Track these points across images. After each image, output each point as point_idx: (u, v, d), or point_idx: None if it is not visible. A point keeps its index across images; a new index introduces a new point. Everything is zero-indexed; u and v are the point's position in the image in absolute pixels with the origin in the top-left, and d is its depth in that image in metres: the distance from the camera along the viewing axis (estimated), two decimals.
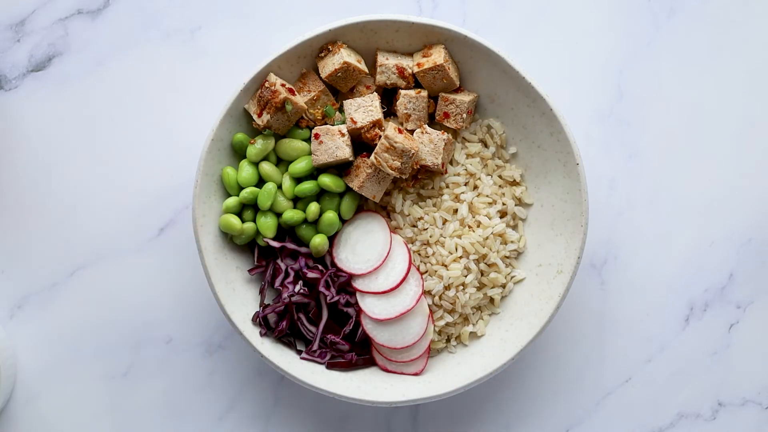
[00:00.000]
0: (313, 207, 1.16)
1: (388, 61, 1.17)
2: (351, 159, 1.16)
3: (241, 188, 1.17)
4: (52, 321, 1.26)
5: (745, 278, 1.29)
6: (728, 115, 1.30)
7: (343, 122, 1.17)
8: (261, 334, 1.17)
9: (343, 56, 1.15)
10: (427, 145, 1.16)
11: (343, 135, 1.15)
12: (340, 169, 1.18)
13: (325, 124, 1.18)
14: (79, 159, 1.26)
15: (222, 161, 1.16)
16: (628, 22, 1.30)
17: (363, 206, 1.20)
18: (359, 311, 1.18)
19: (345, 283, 1.18)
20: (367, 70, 1.18)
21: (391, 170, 1.13)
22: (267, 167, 1.16)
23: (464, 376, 1.17)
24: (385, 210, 1.20)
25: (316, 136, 1.15)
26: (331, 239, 1.18)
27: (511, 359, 1.16)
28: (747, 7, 1.30)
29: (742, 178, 1.29)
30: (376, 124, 1.15)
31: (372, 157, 1.14)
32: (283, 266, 1.17)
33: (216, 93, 1.22)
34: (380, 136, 1.15)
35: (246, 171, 1.16)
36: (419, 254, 1.19)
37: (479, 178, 1.20)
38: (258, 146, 1.16)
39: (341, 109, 1.19)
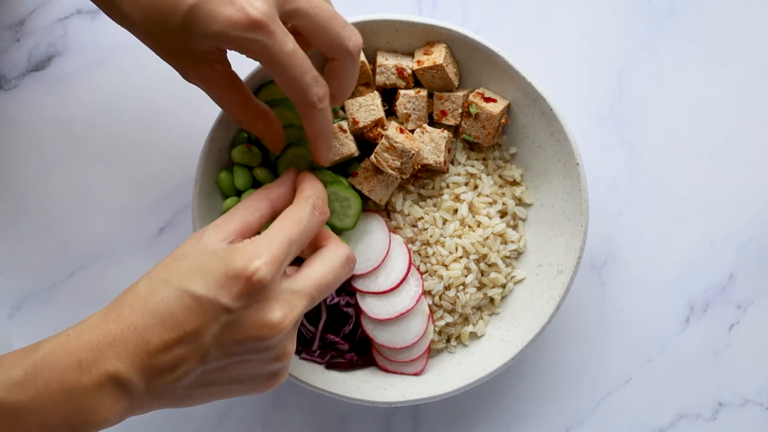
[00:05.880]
0: None
1: (387, 62, 1.17)
2: (357, 154, 1.15)
3: (237, 191, 1.16)
4: (51, 321, 1.26)
5: (745, 278, 1.29)
6: (728, 115, 1.30)
7: (345, 119, 1.17)
8: None
9: None
10: (428, 143, 1.16)
11: (344, 131, 1.14)
12: (343, 167, 1.18)
13: None
14: (79, 159, 1.26)
15: (222, 161, 1.16)
16: (628, 22, 1.30)
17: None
18: (359, 311, 1.18)
19: (345, 284, 1.18)
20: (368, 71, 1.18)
21: (391, 170, 1.13)
22: (260, 172, 1.15)
23: (464, 376, 1.17)
24: (385, 210, 1.20)
25: None
26: None
27: (511, 359, 1.16)
28: (747, 7, 1.30)
29: (742, 178, 1.29)
30: (378, 122, 1.15)
31: (372, 156, 1.14)
32: None
33: None
34: (383, 135, 1.15)
35: (240, 175, 1.15)
36: (419, 254, 1.19)
37: (479, 178, 1.20)
38: (240, 152, 1.14)
39: (344, 107, 1.18)
